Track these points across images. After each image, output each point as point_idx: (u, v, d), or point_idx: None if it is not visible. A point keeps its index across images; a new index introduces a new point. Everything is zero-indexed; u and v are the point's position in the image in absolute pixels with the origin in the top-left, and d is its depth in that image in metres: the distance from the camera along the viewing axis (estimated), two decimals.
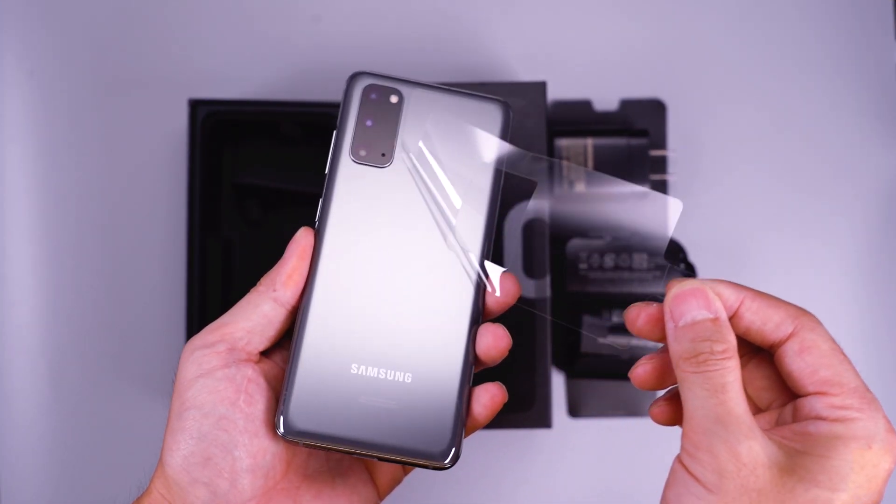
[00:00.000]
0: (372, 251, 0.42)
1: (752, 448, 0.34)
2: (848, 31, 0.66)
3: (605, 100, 0.65)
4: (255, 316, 0.41)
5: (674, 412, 0.40)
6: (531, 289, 0.57)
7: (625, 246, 0.61)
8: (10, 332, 0.63)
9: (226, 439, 0.40)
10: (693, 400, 0.36)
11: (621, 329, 0.60)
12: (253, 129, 0.62)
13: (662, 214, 0.64)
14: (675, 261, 0.61)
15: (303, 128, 0.61)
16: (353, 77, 0.43)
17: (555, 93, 0.64)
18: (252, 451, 0.40)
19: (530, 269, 0.57)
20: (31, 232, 0.64)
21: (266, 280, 0.42)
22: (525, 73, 0.65)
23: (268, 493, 0.41)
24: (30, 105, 0.65)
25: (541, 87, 0.58)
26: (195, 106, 0.59)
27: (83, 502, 0.63)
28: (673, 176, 0.64)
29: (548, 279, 0.57)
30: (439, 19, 0.65)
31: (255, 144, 0.62)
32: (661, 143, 0.64)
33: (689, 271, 0.62)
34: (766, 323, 0.38)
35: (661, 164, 0.64)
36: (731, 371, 0.36)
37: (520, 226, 0.57)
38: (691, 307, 0.37)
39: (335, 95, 0.64)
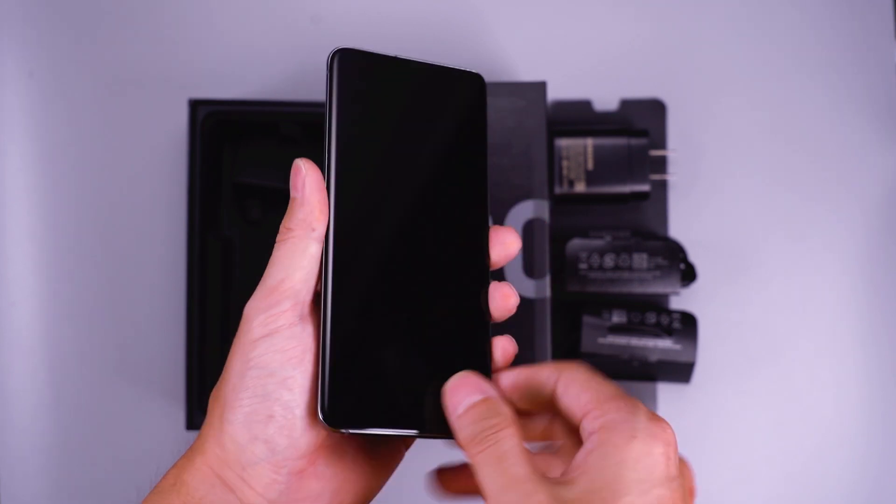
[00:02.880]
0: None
1: (539, 501, 0.36)
2: (848, 31, 0.66)
3: (605, 100, 0.65)
4: (305, 263, 0.41)
5: (459, 479, 0.43)
6: (531, 289, 0.57)
7: (625, 246, 0.61)
8: (10, 332, 0.63)
9: (289, 398, 0.40)
10: (484, 478, 0.37)
11: (621, 329, 0.60)
12: (253, 129, 0.62)
13: (662, 214, 0.64)
14: (675, 261, 0.61)
15: (303, 128, 0.61)
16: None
17: (555, 93, 0.64)
18: (313, 409, 0.40)
19: (530, 269, 0.57)
20: (31, 232, 0.64)
21: (299, 222, 0.41)
22: (525, 73, 0.65)
23: (317, 449, 0.41)
24: (30, 105, 0.65)
25: (541, 87, 0.58)
26: (195, 106, 0.59)
27: (83, 502, 0.63)
28: (673, 176, 0.64)
29: (548, 279, 0.57)
30: (439, 20, 0.65)
31: (255, 144, 0.62)
32: (661, 143, 0.64)
33: (689, 271, 0.62)
34: (537, 386, 0.40)
35: (661, 164, 0.64)
36: (506, 439, 0.38)
37: (520, 226, 0.58)
38: (463, 395, 0.39)
39: None
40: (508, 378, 0.41)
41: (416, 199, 0.42)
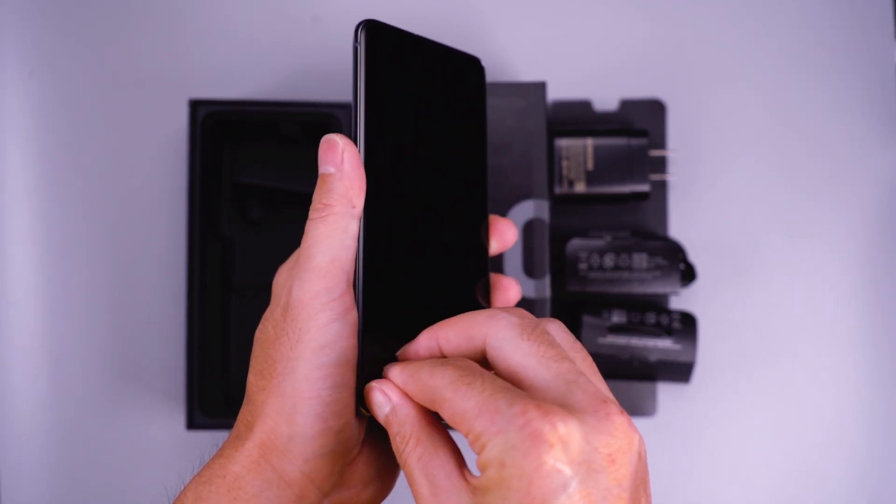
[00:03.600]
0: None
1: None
2: (848, 31, 0.66)
3: (605, 100, 0.65)
4: (349, 241, 0.39)
5: None
6: (531, 289, 0.57)
7: (625, 246, 0.61)
8: (10, 332, 0.63)
9: (350, 381, 0.39)
10: (411, 475, 0.36)
11: (621, 329, 0.60)
12: (253, 129, 0.62)
13: (662, 214, 0.64)
14: (675, 261, 0.61)
15: (303, 128, 0.61)
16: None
17: (555, 93, 0.64)
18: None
19: (530, 269, 0.57)
20: (31, 232, 0.64)
21: (336, 198, 0.39)
22: (525, 73, 0.65)
23: (364, 436, 0.41)
24: (30, 105, 0.65)
25: (541, 87, 0.58)
26: (195, 106, 0.59)
27: (83, 502, 0.63)
28: (673, 176, 0.64)
29: (548, 279, 0.57)
30: (439, 20, 0.65)
31: (255, 144, 0.62)
32: (661, 143, 0.64)
33: (689, 271, 0.62)
34: (420, 394, 0.38)
35: (661, 164, 0.64)
36: (409, 455, 0.36)
37: (520, 226, 0.58)
38: (378, 405, 0.38)
39: (335, 95, 0.64)
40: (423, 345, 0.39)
41: (431, 181, 0.42)
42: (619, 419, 0.33)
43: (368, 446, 0.41)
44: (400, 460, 0.37)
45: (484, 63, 0.46)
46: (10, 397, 0.63)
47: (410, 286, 0.41)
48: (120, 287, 0.64)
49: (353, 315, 0.39)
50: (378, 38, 0.41)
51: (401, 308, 0.41)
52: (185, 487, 0.39)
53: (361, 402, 0.39)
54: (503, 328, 0.36)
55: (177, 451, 0.63)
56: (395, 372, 0.38)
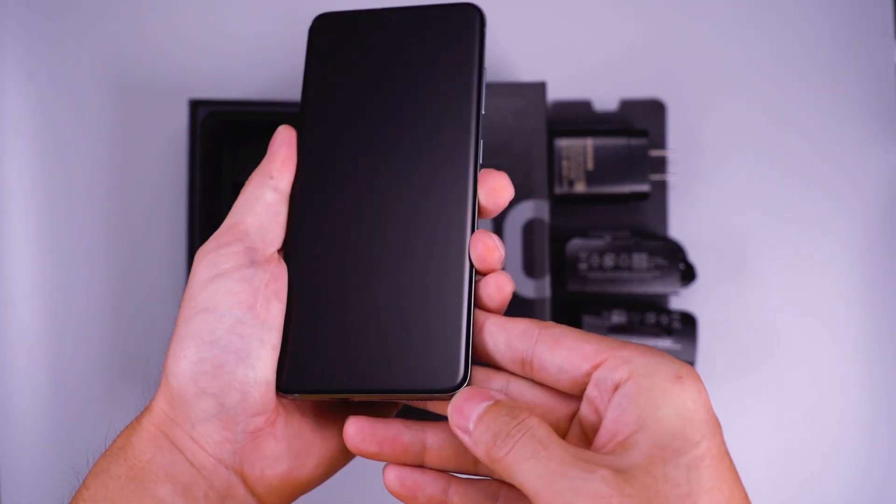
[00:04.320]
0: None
1: (603, 477, 0.31)
2: (848, 31, 0.66)
3: (605, 100, 0.65)
4: (259, 207, 0.39)
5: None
6: (531, 289, 0.57)
7: (625, 246, 0.61)
8: (10, 332, 0.63)
9: (239, 345, 0.37)
10: (525, 474, 0.32)
11: (621, 329, 0.60)
12: (253, 129, 0.62)
13: (662, 214, 0.64)
14: (675, 261, 0.61)
15: None
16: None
17: (555, 93, 0.64)
18: (266, 361, 0.37)
19: (530, 269, 0.57)
20: (31, 232, 0.64)
21: (259, 171, 0.40)
22: (525, 73, 0.65)
23: (276, 408, 0.38)
24: (30, 106, 0.65)
25: (541, 87, 0.58)
26: (195, 106, 0.59)
27: None
28: (673, 176, 0.64)
29: (548, 279, 0.57)
30: None
31: (255, 144, 0.62)
32: (661, 143, 0.64)
33: (689, 271, 0.62)
34: (510, 343, 0.36)
35: (661, 164, 0.64)
36: (536, 427, 0.33)
37: (520, 226, 0.58)
38: (471, 409, 0.35)
39: None
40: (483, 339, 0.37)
41: (392, 151, 0.40)
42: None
43: (284, 421, 0.38)
44: (511, 440, 0.33)
45: (487, 58, 0.44)
46: (10, 397, 0.63)
47: (358, 257, 0.39)
48: (120, 287, 0.64)
49: (241, 273, 0.37)
50: (326, 28, 0.42)
51: (337, 283, 0.38)
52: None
53: (280, 379, 0.37)
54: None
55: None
56: (492, 319, 0.37)
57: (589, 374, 0.34)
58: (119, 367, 0.63)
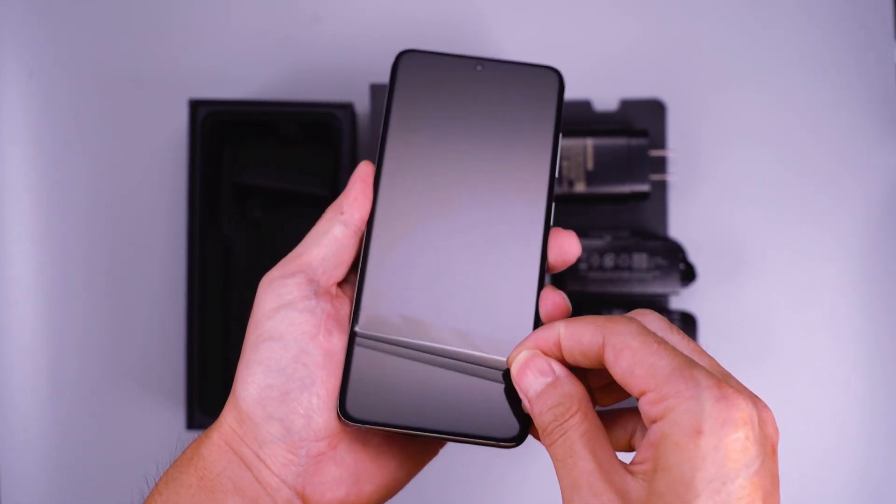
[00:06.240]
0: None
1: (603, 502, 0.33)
2: (848, 30, 0.66)
3: (605, 100, 0.65)
4: (325, 241, 0.40)
5: None
6: None
7: (625, 246, 0.61)
8: (10, 332, 0.63)
9: (304, 374, 0.39)
10: (558, 471, 0.35)
11: None
12: (253, 129, 0.62)
13: (662, 214, 0.64)
14: (675, 261, 0.61)
15: (303, 128, 0.61)
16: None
17: None
18: (329, 388, 0.39)
19: None
20: (31, 232, 0.64)
21: (333, 205, 0.41)
22: None
23: (338, 433, 0.40)
24: (30, 106, 0.65)
25: None
26: (195, 106, 0.59)
27: (83, 502, 0.63)
28: (673, 176, 0.64)
29: (548, 279, 0.57)
30: (440, 20, 0.65)
31: (255, 144, 0.62)
32: (661, 143, 0.64)
33: (689, 271, 0.62)
34: (580, 343, 0.37)
35: (661, 164, 0.64)
36: (573, 429, 0.35)
37: None
38: (530, 379, 0.37)
39: (335, 95, 0.64)
40: (551, 335, 0.38)
41: (468, 201, 0.42)
42: (773, 416, 0.36)
43: (346, 446, 0.40)
44: (553, 436, 0.36)
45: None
46: (10, 397, 0.63)
47: (419, 302, 0.40)
48: (120, 287, 0.64)
49: (305, 304, 0.39)
50: (412, 67, 0.43)
51: (400, 315, 0.40)
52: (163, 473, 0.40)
53: (343, 404, 0.39)
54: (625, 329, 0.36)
55: (177, 451, 0.63)
56: (561, 323, 0.38)
57: (638, 398, 0.35)
58: (119, 367, 0.63)
